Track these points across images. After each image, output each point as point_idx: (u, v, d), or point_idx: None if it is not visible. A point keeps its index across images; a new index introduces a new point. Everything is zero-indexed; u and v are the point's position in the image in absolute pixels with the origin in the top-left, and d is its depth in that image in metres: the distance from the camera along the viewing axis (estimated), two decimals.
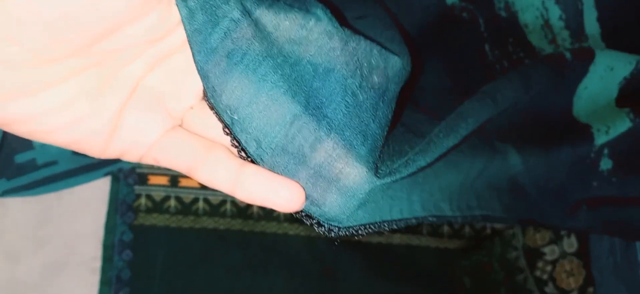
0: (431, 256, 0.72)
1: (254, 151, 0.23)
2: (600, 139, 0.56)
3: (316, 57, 0.24)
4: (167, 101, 0.21)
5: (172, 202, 0.67)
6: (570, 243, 0.72)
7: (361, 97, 0.25)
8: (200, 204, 0.68)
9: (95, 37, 0.17)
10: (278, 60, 0.23)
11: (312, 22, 0.24)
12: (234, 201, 0.69)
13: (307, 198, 0.24)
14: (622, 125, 0.58)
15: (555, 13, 0.62)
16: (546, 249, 0.72)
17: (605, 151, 0.61)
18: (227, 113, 0.22)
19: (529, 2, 0.61)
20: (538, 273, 0.72)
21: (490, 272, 0.72)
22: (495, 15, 0.60)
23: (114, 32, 0.18)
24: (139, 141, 0.21)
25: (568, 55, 0.54)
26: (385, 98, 0.27)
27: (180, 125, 0.23)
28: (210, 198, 0.68)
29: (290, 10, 0.24)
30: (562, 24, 0.62)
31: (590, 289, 0.71)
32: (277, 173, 0.23)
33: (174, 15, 0.19)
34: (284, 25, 0.23)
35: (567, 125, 0.55)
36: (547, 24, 0.62)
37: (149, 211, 0.67)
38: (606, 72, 0.59)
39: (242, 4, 0.22)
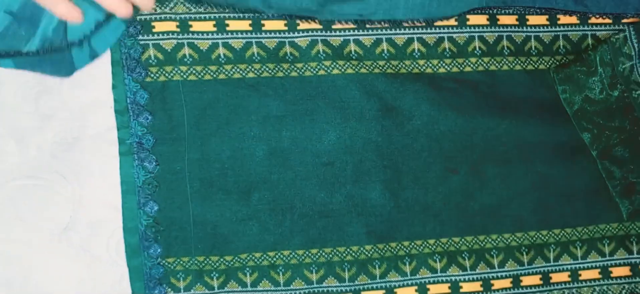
0: (517, 82, 0.57)
1: None
2: None
3: None
4: None
5: (186, 50, 0.54)
6: None
7: None
8: (220, 50, 0.54)
9: None
10: None
11: None
12: (259, 44, 0.55)
13: None
14: None
15: None
16: None
17: None
18: None
19: None
20: None
21: (594, 90, 0.56)
22: None
23: None
24: None
25: None
26: None
27: None
28: (232, 42, 0.54)
29: None
30: None
31: None
32: None
33: None
34: None
35: None
36: None
37: (160, 64, 0.54)
38: None
39: None
